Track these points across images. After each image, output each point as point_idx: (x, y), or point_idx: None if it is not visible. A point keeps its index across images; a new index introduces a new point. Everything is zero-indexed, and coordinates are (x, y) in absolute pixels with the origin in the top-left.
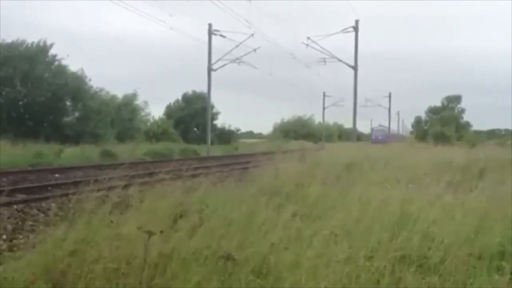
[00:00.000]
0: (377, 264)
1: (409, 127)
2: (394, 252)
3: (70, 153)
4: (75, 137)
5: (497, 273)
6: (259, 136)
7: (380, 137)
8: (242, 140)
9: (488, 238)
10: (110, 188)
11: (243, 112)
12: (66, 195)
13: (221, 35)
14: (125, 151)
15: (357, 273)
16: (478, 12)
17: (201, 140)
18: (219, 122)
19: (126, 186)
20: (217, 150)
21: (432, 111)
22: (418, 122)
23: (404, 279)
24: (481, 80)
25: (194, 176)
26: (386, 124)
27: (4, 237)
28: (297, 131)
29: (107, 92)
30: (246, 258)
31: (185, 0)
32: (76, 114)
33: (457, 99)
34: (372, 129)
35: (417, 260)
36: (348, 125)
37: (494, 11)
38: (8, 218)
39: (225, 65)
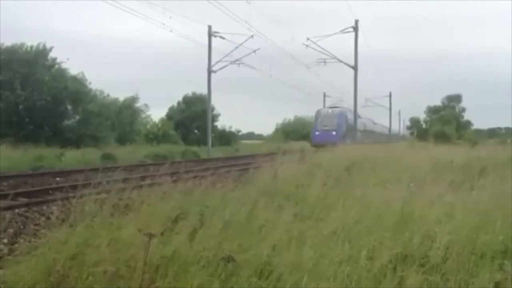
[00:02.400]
0: (378, 264)
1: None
2: (395, 252)
3: (71, 157)
4: (75, 141)
5: (500, 272)
6: (260, 137)
7: (331, 137)
8: (243, 141)
9: (490, 237)
10: (111, 191)
11: (244, 113)
12: (67, 198)
13: (220, 37)
14: (125, 153)
15: (359, 273)
16: (479, 11)
17: (202, 142)
18: (219, 124)
19: (126, 189)
20: (217, 152)
21: (432, 110)
22: (415, 122)
23: (405, 279)
24: (482, 79)
25: (194, 177)
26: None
27: (5, 241)
28: (297, 132)
29: (108, 95)
30: (247, 259)
31: (185, 2)
32: (77, 117)
33: (457, 98)
34: (316, 115)
35: (419, 260)
36: None
37: (495, 11)
38: (10, 221)
39: (225, 66)
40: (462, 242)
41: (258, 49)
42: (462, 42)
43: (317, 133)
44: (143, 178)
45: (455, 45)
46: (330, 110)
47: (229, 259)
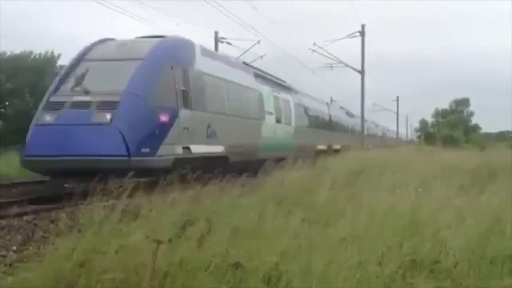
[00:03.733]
0: (388, 269)
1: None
2: (405, 257)
3: None
4: None
5: (510, 277)
6: None
7: (87, 133)
8: None
9: (500, 242)
10: (120, 197)
11: None
12: (76, 205)
13: (227, 43)
14: None
15: (368, 279)
16: (487, 11)
17: None
18: None
19: (135, 195)
20: None
21: (440, 114)
22: (424, 124)
23: (416, 284)
24: (490, 81)
25: (202, 183)
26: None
27: (14, 248)
28: None
29: None
30: (256, 266)
31: (191, 8)
32: None
33: (465, 102)
34: (72, 64)
35: (429, 265)
36: None
37: (503, 10)
38: (18, 229)
39: None
40: (472, 247)
41: (265, 54)
42: (471, 43)
43: (42, 123)
44: (151, 182)
45: (464, 46)
46: (118, 44)
47: (237, 266)
